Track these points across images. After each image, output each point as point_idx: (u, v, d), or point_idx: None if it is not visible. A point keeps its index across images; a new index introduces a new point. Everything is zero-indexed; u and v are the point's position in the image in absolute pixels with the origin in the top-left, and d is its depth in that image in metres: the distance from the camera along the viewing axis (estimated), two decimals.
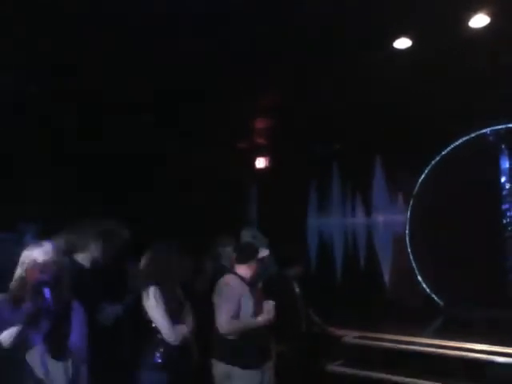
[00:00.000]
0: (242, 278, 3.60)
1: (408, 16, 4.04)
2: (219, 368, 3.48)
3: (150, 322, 3.19)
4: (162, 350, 3.14)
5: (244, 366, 3.42)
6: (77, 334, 2.51)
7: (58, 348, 2.40)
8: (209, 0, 3.71)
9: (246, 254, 3.72)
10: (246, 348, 3.43)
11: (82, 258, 3.35)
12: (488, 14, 3.95)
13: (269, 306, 3.58)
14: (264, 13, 3.89)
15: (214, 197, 6.44)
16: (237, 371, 3.41)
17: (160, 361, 3.13)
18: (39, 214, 4.57)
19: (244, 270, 3.63)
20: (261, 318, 3.52)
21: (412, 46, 4.44)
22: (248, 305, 3.52)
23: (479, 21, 4.02)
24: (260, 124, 6.94)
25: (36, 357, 2.32)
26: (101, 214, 3.69)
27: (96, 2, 3.65)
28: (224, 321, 3.43)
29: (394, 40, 4.41)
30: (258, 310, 3.56)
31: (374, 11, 3.91)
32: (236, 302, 3.48)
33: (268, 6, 3.81)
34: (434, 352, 4.51)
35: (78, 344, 2.50)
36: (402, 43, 4.43)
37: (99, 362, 2.68)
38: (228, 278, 3.64)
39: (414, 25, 4.19)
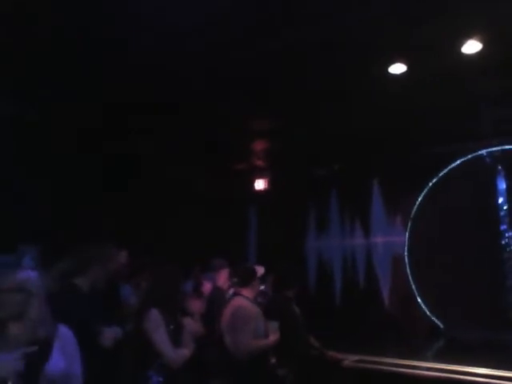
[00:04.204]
0: (249, 300, 3.67)
1: (403, 42, 4.14)
2: None
3: (150, 345, 3.17)
4: (162, 374, 3.11)
5: None
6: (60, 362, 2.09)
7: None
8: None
9: (246, 276, 3.80)
10: (254, 370, 3.46)
11: (81, 282, 3.34)
12: (480, 41, 4.04)
13: (274, 326, 3.62)
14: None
15: (211, 219, 6.46)
16: None
17: None
18: (40, 236, 4.57)
19: (248, 292, 3.74)
20: (270, 339, 3.55)
21: (407, 71, 4.52)
22: (260, 326, 3.58)
23: (471, 47, 4.12)
24: (258, 146, 7.01)
25: None
26: (100, 238, 3.70)
27: None
28: (246, 343, 3.47)
29: (389, 65, 4.49)
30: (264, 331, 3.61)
31: (369, 38, 4.01)
32: (253, 323, 3.54)
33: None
34: (433, 375, 4.48)
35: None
36: (397, 68, 4.51)
37: None
38: (239, 301, 3.69)
39: (409, 51, 4.28)
